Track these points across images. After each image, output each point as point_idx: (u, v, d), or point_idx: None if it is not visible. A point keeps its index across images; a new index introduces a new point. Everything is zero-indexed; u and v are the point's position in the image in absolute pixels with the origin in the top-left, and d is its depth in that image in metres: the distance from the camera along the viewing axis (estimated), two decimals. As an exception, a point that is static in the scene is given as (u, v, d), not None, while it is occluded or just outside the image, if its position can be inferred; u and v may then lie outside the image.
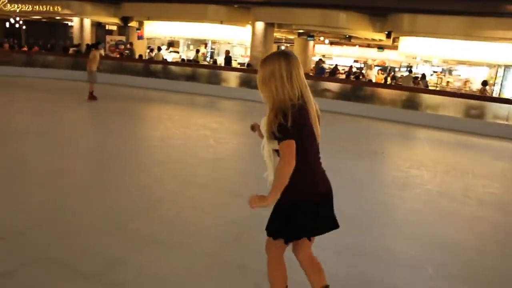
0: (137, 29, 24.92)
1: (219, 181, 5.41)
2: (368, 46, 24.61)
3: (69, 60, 17.63)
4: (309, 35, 18.93)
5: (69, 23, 26.68)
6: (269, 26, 18.26)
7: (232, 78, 15.06)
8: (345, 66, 31.51)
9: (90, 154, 6.59)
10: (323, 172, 2.32)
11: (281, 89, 2.14)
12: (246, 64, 15.84)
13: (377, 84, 15.23)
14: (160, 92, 14.39)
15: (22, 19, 26.16)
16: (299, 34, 20.80)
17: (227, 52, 17.64)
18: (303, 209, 2.22)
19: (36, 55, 17.71)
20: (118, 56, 23.07)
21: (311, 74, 18.43)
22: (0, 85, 13.55)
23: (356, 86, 13.68)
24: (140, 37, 22.59)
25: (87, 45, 20.17)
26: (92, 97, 10.99)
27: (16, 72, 15.73)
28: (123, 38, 27.83)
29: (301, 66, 2.25)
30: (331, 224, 2.35)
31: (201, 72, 15.34)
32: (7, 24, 26.05)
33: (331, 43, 23.49)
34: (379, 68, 29.58)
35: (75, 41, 22.16)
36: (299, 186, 2.17)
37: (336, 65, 20.49)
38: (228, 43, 20.57)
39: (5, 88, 13.10)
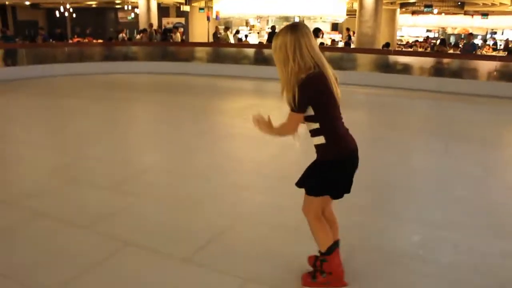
0: (200, 8, 22.23)
1: None
2: (465, 13, 21.74)
3: (154, 50, 15.28)
4: (426, 5, 16.13)
5: (126, 7, 24.29)
6: (379, -3, 15.56)
7: (365, 63, 12.42)
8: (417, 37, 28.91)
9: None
10: (347, 130, 2.32)
11: (292, 62, 2.14)
12: (384, 44, 13.17)
13: None
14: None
15: (72, 6, 23.85)
16: (402, 5, 18.03)
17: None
18: (340, 168, 2.26)
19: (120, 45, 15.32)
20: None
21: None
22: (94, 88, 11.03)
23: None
24: (210, 18, 19.84)
25: (165, 29, 17.74)
26: None
27: (92, 69, 13.28)
28: (181, 20, 25.18)
29: (311, 35, 2.19)
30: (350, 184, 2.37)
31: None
32: (57, 13, 23.78)
33: (440, 13, 20.56)
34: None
35: (141, 26, 19.59)
36: (334, 148, 2.23)
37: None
38: (321, 19, 17.88)
39: (102, 91, 10.62)
